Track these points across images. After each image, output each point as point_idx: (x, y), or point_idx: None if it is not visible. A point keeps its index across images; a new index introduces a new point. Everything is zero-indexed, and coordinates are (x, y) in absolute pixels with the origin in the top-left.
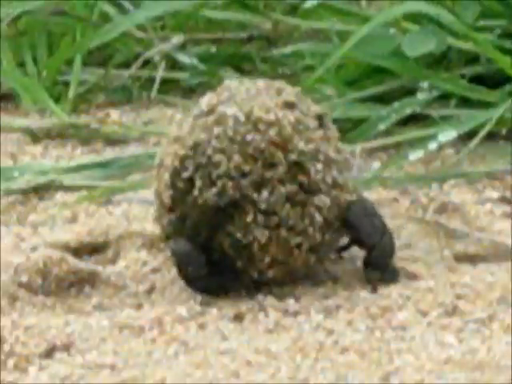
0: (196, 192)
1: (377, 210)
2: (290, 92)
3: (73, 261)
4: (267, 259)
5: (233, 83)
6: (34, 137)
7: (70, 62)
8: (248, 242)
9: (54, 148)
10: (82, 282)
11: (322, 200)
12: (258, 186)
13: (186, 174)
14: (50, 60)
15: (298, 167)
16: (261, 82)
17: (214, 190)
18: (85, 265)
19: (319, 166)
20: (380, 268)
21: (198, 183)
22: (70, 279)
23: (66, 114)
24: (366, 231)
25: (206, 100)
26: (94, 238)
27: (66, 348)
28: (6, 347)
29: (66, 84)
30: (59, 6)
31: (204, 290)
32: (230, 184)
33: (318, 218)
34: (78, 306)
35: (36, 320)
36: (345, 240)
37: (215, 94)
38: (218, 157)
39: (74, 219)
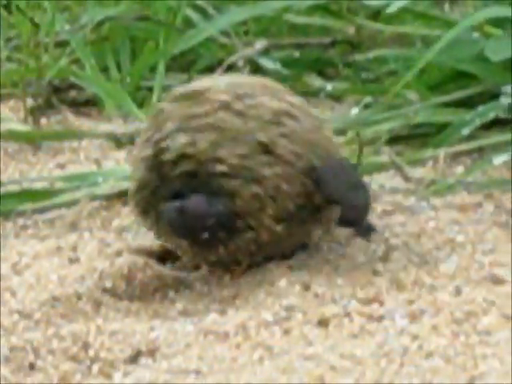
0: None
1: (351, 168)
2: None
3: (157, 266)
4: None
5: None
6: (118, 142)
7: (153, 68)
8: None
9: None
10: (166, 288)
11: None
12: None
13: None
14: (134, 65)
15: None
16: None
17: None
18: (169, 270)
19: None
20: (352, 224)
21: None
22: (155, 284)
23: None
24: (333, 187)
25: None
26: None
27: (151, 353)
28: (91, 352)
29: (150, 89)
30: (142, 12)
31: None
32: None
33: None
34: (162, 312)
35: (121, 325)
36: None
37: None
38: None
39: None
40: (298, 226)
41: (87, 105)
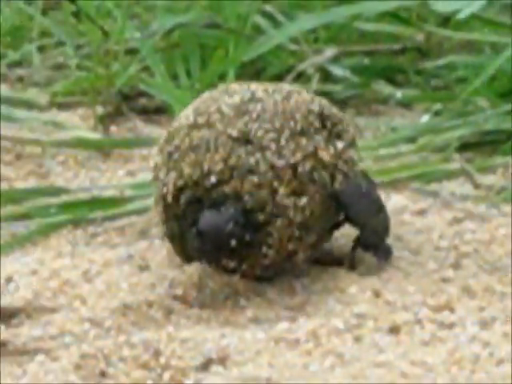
0: None
1: (373, 190)
2: None
3: (227, 274)
4: None
5: None
6: None
7: (222, 75)
8: None
9: None
10: (237, 295)
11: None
12: None
13: None
14: (203, 73)
15: None
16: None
17: None
18: (239, 278)
19: None
20: (371, 247)
21: None
22: (225, 292)
23: None
24: (357, 210)
25: None
26: None
27: (222, 361)
28: (162, 360)
29: None
30: (212, 19)
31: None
32: None
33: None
34: (233, 319)
35: (191, 333)
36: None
37: None
38: None
39: None
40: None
41: (157, 112)
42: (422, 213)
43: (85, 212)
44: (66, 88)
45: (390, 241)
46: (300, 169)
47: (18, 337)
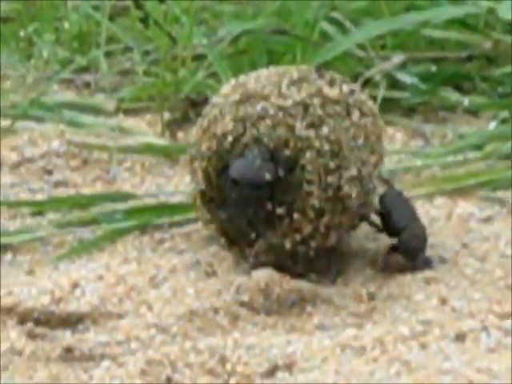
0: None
1: (408, 199)
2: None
3: (294, 280)
4: None
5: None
6: None
7: None
8: None
9: None
10: (303, 301)
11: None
12: None
13: None
14: None
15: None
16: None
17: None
18: (306, 284)
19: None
20: (409, 255)
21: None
22: (292, 298)
23: None
24: (397, 218)
25: None
26: None
27: (288, 367)
28: (228, 366)
29: None
30: (280, 26)
31: None
32: None
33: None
34: (299, 326)
35: (258, 339)
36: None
37: None
38: None
39: None
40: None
41: None
42: (488, 220)
43: (151, 218)
44: (133, 94)
45: (456, 247)
46: (310, 105)
47: (84, 342)
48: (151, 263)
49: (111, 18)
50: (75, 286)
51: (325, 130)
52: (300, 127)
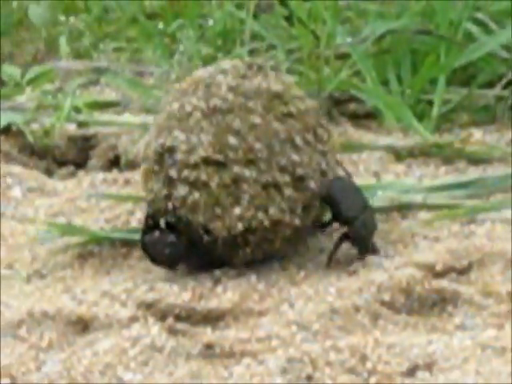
0: None
1: (357, 187)
2: None
3: (436, 280)
4: None
5: None
6: (398, 155)
7: (433, 81)
8: None
9: (417, 167)
10: (444, 302)
11: None
12: None
13: None
14: (414, 78)
15: None
16: None
17: None
18: (447, 284)
19: None
20: (359, 244)
21: None
22: (433, 298)
23: (429, 132)
24: (345, 206)
25: None
26: (457, 258)
27: (428, 367)
28: (369, 365)
29: (430, 103)
30: (424, 26)
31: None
32: None
33: None
34: (440, 326)
35: (398, 338)
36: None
37: None
38: None
39: (436, 238)
40: None
41: (367, 117)
42: None
43: None
44: None
45: None
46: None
47: (224, 339)
48: (292, 262)
49: (255, 16)
50: (217, 282)
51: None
52: None
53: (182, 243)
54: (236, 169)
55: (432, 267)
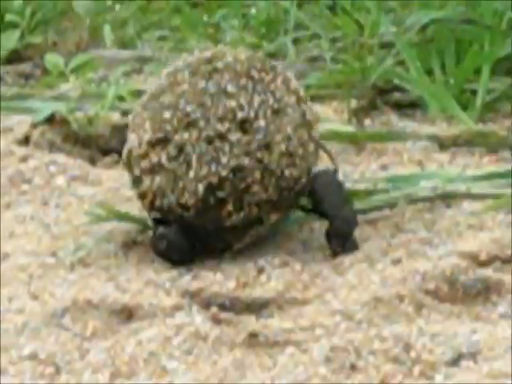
0: None
1: (340, 181)
2: None
3: (480, 269)
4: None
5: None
6: (442, 144)
7: (477, 71)
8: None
9: (461, 156)
10: (488, 291)
11: None
12: None
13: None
14: (458, 68)
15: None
16: None
17: None
18: (492, 273)
19: None
20: (342, 238)
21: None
22: (477, 287)
23: (473, 122)
24: (329, 202)
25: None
26: (501, 247)
27: (473, 356)
28: (413, 354)
29: (474, 92)
30: (468, 15)
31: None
32: None
33: None
34: (484, 315)
35: (442, 327)
36: None
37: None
38: None
39: (480, 227)
40: None
41: (411, 107)
42: None
43: None
44: (321, 81)
45: None
46: None
47: (268, 328)
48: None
49: (299, 5)
50: (261, 271)
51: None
52: None
53: (176, 233)
54: (177, 137)
55: (476, 256)
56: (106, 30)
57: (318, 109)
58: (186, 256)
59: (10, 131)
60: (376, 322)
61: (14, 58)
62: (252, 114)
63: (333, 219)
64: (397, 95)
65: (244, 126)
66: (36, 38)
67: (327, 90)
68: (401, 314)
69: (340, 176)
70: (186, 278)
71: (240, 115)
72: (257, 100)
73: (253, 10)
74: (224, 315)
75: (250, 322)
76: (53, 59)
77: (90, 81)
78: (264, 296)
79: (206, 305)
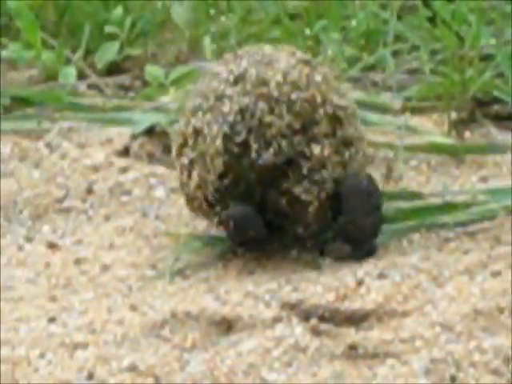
0: (253, 154)
1: (372, 189)
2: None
3: None
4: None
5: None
6: None
7: None
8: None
9: None
10: None
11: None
12: (309, 142)
13: (239, 139)
14: None
15: (335, 120)
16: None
17: (271, 149)
18: None
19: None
20: (353, 243)
21: (254, 146)
22: None
23: None
24: (350, 206)
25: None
26: None
27: None
28: None
29: None
30: None
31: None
32: (284, 143)
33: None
34: None
35: None
36: None
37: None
38: (268, 118)
39: None
40: None
41: (511, 119)
42: None
43: (436, 217)
44: (420, 93)
45: None
46: None
47: (368, 340)
48: (436, 262)
49: (399, 17)
50: (360, 283)
51: None
52: None
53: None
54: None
55: None
56: (206, 41)
57: (418, 121)
58: (262, 232)
59: (109, 143)
60: (476, 334)
61: (113, 69)
62: None
63: (346, 224)
64: (496, 107)
65: None
66: (136, 50)
67: (427, 102)
68: (501, 326)
69: (439, 188)
70: (285, 290)
71: None
72: None
73: (353, 22)
74: (324, 327)
75: (350, 334)
76: (153, 71)
77: (190, 93)
78: (364, 308)
79: (305, 317)
